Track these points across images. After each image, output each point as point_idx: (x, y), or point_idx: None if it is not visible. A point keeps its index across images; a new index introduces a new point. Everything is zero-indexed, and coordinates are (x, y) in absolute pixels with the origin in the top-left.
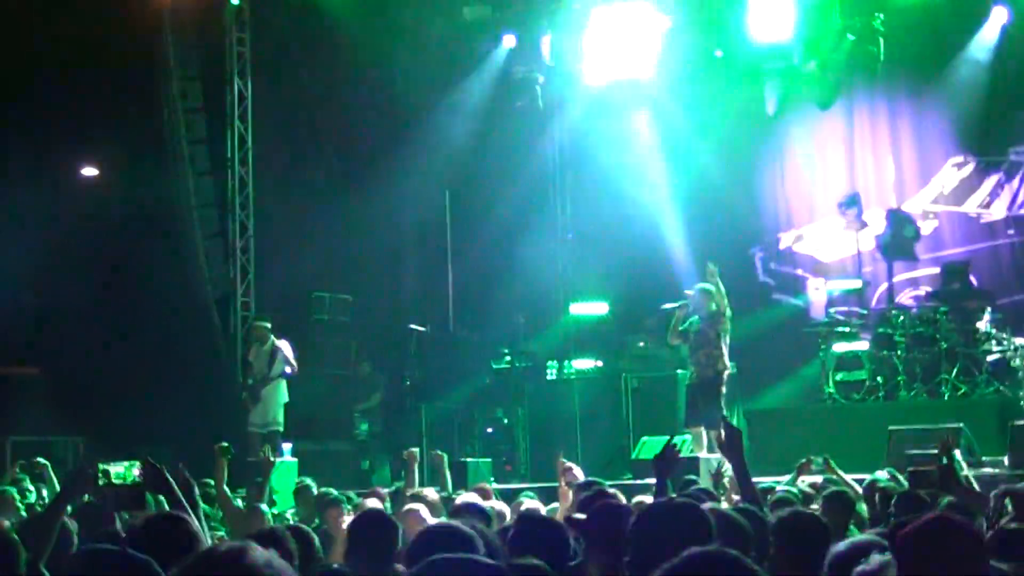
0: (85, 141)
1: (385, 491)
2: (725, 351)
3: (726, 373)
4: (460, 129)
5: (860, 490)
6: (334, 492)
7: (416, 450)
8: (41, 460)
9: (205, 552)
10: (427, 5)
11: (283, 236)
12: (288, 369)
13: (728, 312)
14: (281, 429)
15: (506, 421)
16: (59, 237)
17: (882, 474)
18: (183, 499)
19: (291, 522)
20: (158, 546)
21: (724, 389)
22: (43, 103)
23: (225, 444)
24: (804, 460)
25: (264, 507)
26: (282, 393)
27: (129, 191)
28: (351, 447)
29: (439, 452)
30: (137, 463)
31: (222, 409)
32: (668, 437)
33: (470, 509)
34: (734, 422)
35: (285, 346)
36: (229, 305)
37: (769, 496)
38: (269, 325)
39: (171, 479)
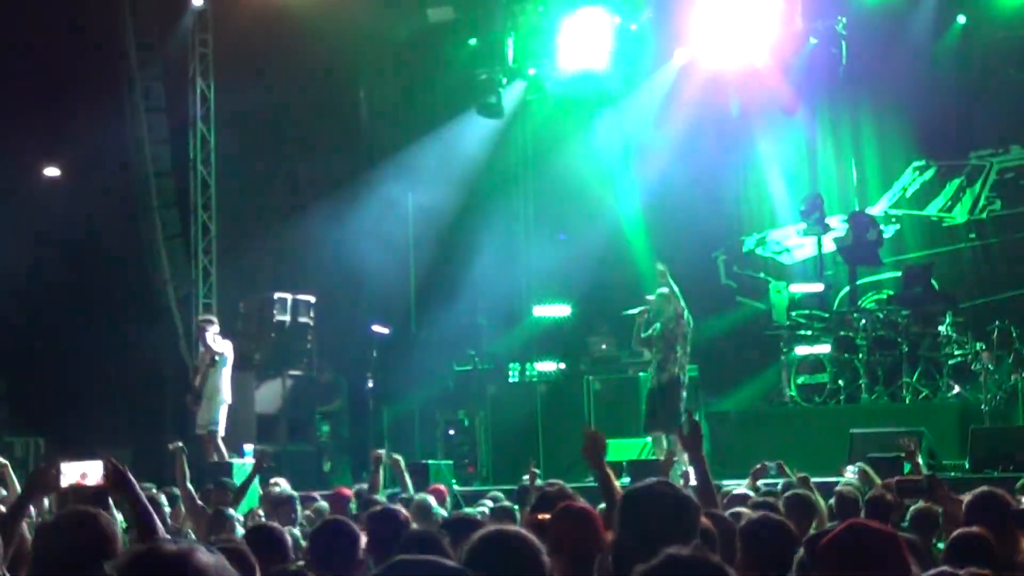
0: (47, 142)
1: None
2: (682, 354)
3: (683, 375)
4: (423, 131)
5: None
6: (287, 489)
7: (382, 452)
8: (1, 460)
9: (149, 550)
10: (391, 6)
11: (245, 237)
12: (225, 368)
13: (686, 314)
14: (217, 429)
15: (467, 423)
16: (19, 238)
17: (850, 472)
18: (145, 500)
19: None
20: (67, 544)
21: (684, 392)
22: (3, 105)
23: (180, 444)
24: (759, 465)
25: (231, 511)
26: (223, 394)
27: (91, 192)
28: (312, 449)
29: (395, 456)
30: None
31: (183, 410)
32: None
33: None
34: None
35: (228, 347)
36: (191, 306)
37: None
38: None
39: (133, 479)
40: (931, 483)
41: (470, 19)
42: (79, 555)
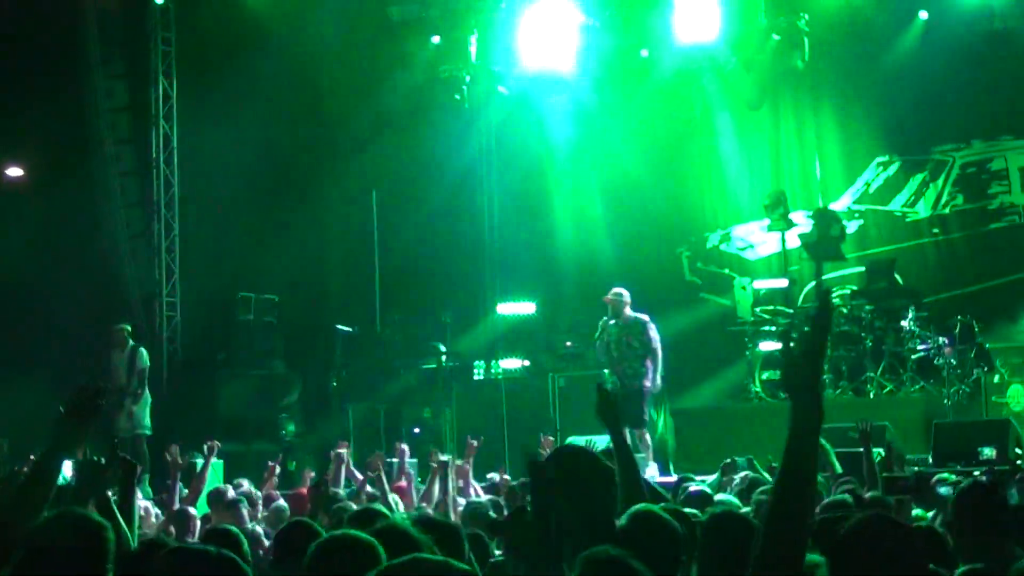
0: (9, 142)
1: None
2: (652, 366)
3: (648, 388)
4: (386, 129)
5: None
6: (230, 492)
7: (343, 451)
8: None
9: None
10: (353, 4)
11: (208, 236)
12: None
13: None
14: (148, 432)
15: (433, 421)
16: None
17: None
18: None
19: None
20: (61, 545)
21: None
22: None
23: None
24: (728, 460)
25: (192, 509)
26: (146, 396)
27: (54, 191)
28: (277, 448)
29: (339, 451)
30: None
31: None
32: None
33: None
34: (660, 421)
35: (142, 356)
36: (154, 305)
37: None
38: (129, 329)
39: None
40: (919, 481)
41: (431, 17)
42: (73, 557)
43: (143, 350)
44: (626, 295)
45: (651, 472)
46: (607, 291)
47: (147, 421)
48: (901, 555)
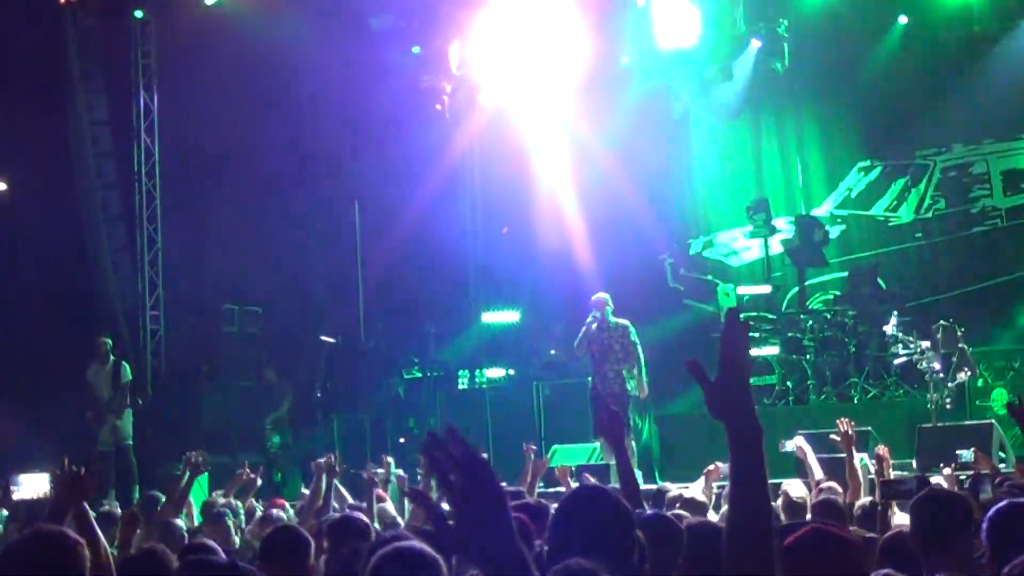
0: None
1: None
2: (639, 373)
3: (631, 395)
4: (368, 139)
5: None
6: (219, 503)
7: (323, 460)
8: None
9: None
10: (333, 15)
11: (191, 249)
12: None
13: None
14: (131, 442)
15: (418, 432)
16: None
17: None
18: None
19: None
20: (38, 565)
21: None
22: None
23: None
24: (712, 466)
25: (179, 522)
26: (127, 409)
27: (36, 205)
28: (263, 460)
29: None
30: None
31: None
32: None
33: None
34: (645, 429)
35: (125, 370)
36: (137, 318)
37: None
38: (110, 343)
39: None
40: (920, 484)
41: (413, 26)
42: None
43: (126, 364)
44: (609, 300)
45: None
46: (588, 297)
47: (130, 431)
48: (837, 567)
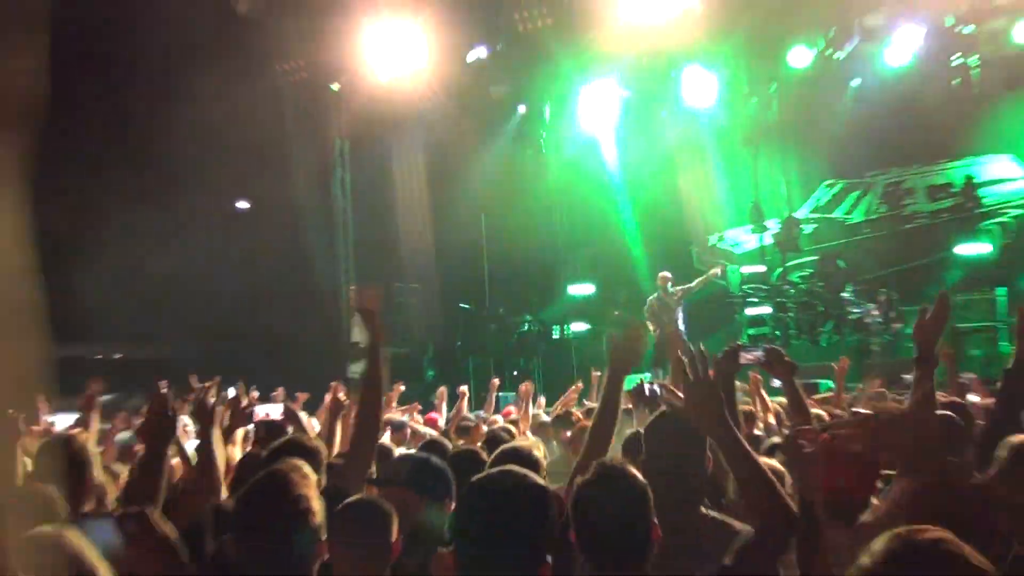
0: (239, 186)
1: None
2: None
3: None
4: (491, 171)
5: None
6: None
7: (497, 380)
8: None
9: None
10: (465, 84)
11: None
12: None
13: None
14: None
15: (525, 366)
16: (226, 258)
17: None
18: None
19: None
20: (267, 509)
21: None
22: (211, 163)
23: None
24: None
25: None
26: None
27: (275, 222)
28: (421, 385)
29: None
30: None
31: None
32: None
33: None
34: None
35: None
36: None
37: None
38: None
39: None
40: (769, 355)
41: (519, 91)
42: (277, 519)
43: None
44: (671, 277)
45: None
46: (643, 276)
47: None
48: (622, 506)
